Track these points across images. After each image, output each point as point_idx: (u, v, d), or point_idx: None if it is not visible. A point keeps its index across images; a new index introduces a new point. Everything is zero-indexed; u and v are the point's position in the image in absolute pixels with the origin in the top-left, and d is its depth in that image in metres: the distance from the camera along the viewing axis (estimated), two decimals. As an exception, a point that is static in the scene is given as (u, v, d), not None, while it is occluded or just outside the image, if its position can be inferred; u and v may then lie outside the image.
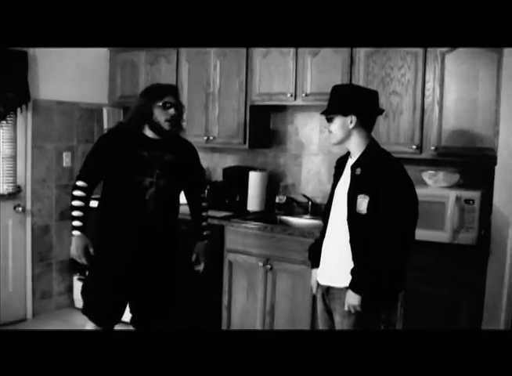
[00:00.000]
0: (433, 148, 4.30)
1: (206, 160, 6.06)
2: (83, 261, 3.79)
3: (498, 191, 3.96)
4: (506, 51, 3.92)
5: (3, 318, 5.51)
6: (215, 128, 5.49)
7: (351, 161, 3.26)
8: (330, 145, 5.08)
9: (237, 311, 5.02)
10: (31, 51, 5.52)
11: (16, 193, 5.61)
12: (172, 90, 3.78)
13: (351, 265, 3.12)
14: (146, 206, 3.68)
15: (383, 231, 3.04)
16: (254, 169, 5.58)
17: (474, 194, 4.01)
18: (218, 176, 5.90)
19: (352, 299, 3.08)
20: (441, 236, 4.04)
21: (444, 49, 4.19)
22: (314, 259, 3.49)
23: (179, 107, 3.77)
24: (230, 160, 5.94)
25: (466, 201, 3.99)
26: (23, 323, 5.71)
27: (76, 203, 3.74)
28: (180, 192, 3.98)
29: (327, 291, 3.33)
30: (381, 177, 3.07)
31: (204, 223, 4.12)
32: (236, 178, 5.61)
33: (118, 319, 3.88)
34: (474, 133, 4.13)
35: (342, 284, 3.16)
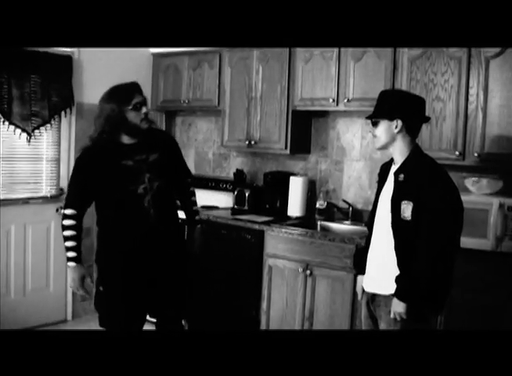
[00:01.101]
0: (476, 154, 4.24)
1: (247, 164, 6.11)
2: (81, 292, 3.69)
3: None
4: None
5: (44, 319, 5.61)
6: (257, 133, 5.51)
7: (394, 167, 3.25)
8: (372, 151, 5.11)
9: (276, 316, 5.00)
10: (76, 56, 5.61)
11: (58, 196, 5.71)
12: (137, 88, 3.60)
13: (397, 272, 3.10)
14: (148, 213, 3.56)
15: (426, 237, 3.01)
16: (295, 174, 5.59)
17: (518, 202, 3.95)
18: (259, 181, 5.92)
19: (398, 307, 3.06)
20: (484, 243, 3.98)
21: (488, 55, 4.14)
22: (360, 266, 3.49)
23: (146, 102, 3.63)
24: (271, 165, 5.95)
25: (510, 209, 3.93)
26: (63, 324, 5.80)
27: (67, 233, 3.62)
28: (173, 188, 3.86)
29: (372, 298, 3.31)
30: (424, 183, 3.06)
31: (195, 207, 4.03)
32: (277, 183, 5.61)
33: (138, 327, 3.75)
34: (519, 140, 4.08)
35: (387, 291, 3.14)
